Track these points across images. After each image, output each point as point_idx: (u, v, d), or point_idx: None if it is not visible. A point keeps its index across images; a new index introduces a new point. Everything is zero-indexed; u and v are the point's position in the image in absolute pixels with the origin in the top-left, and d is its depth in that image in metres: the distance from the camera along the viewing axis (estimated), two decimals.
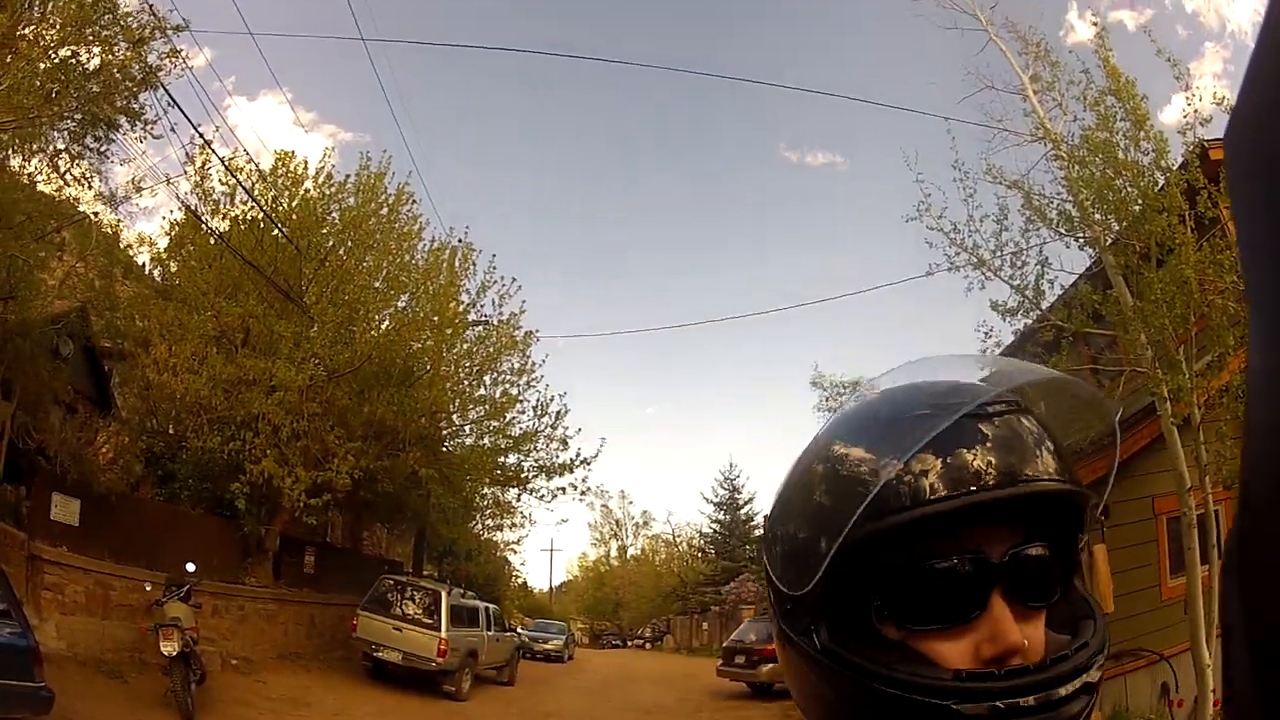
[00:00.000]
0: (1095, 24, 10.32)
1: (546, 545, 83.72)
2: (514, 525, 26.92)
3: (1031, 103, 10.65)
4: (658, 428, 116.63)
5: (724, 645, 24.56)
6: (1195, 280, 8.19)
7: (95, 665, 11.86)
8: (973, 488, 0.76)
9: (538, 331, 21.35)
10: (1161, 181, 9.10)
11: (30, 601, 10.93)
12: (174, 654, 11.30)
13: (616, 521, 74.26)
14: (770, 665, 20.31)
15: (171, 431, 17.74)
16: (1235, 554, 0.49)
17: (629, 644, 59.69)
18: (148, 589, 12.82)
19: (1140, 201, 9.09)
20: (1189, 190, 8.71)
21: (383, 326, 18.31)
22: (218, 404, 15.28)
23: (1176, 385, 8.47)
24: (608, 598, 71.27)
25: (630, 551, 73.23)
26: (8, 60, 9.73)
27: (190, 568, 13.08)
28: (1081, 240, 10.11)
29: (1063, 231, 10.11)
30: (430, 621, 17.39)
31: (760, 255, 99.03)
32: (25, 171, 11.78)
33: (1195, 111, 9.01)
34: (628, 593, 67.63)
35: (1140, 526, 10.59)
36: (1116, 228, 9.52)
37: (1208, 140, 9.10)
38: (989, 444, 0.78)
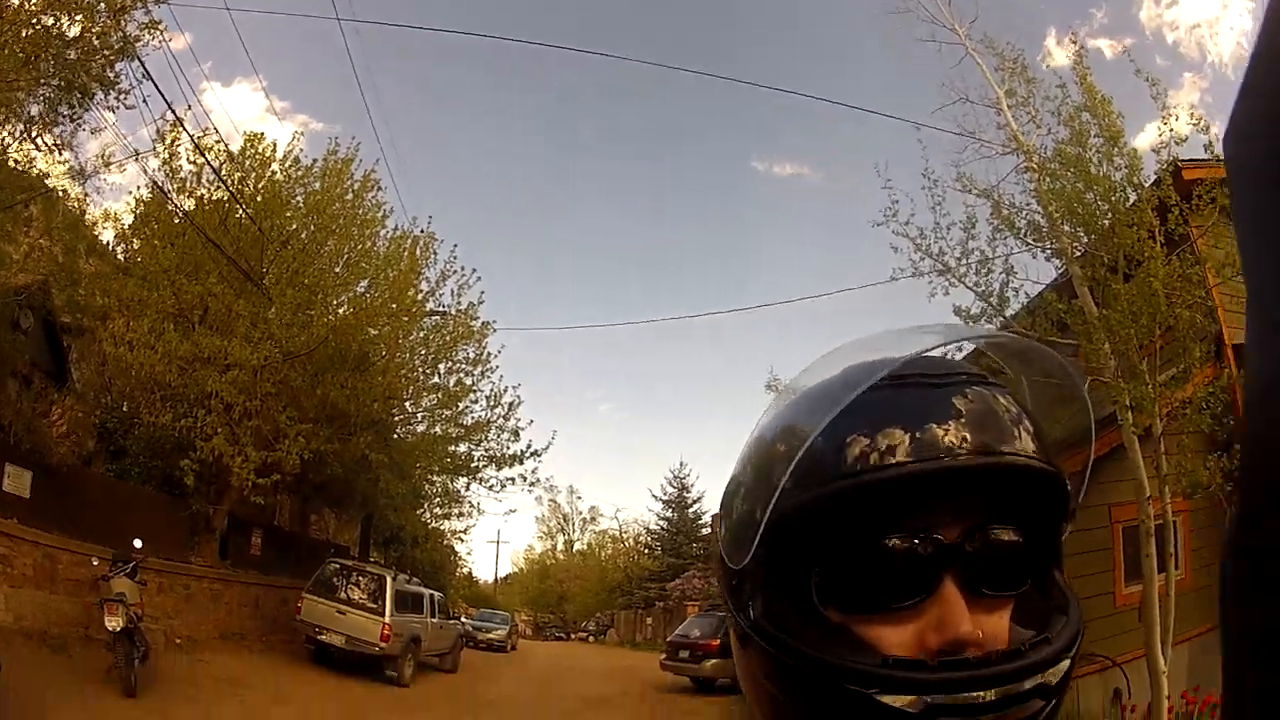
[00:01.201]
0: (1074, 41, 10.50)
1: (493, 537, 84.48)
2: (461, 514, 27.01)
3: (1005, 116, 10.75)
4: (609, 424, 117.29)
5: (669, 640, 24.87)
6: (1163, 293, 8.35)
7: (41, 639, 11.73)
8: (916, 459, 0.68)
9: (495, 322, 21.45)
10: (1133, 198, 9.22)
11: None
12: (118, 629, 11.20)
13: (564, 516, 75.00)
14: (714, 661, 20.66)
15: (125, 408, 17.57)
16: (1232, 544, 0.48)
17: (572, 636, 60.16)
18: (95, 563, 12.66)
19: (1110, 216, 9.22)
20: (1160, 207, 8.84)
21: (340, 311, 18.26)
22: (172, 380, 15.20)
23: (1139, 395, 8.60)
24: (552, 590, 71.72)
25: (576, 546, 73.86)
26: None
27: (138, 544, 12.92)
28: (1049, 251, 10.23)
29: (1030, 241, 10.19)
30: (374, 606, 17.41)
31: (723, 260, 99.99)
32: None
33: (1171, 130, 9.10)
34: (572, 586, 68.05)
35: (1096, 534, 10.71)
36: (1085, 240, 9.68)
37: (1182, 160, 9.27)
38: (943, 415, 0.70)
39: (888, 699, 0.66)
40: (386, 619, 17.20)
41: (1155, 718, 8.23)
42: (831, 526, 0.71)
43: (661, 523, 53.61)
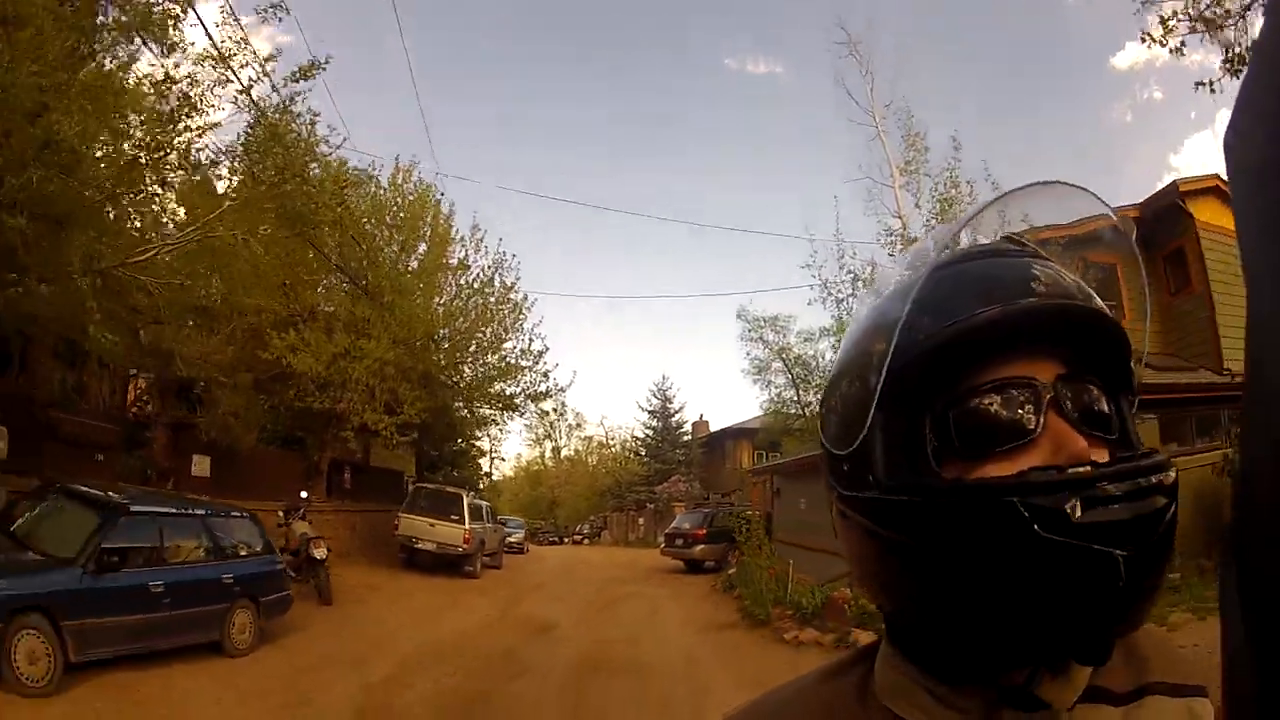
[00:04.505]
0: (954, 141, 14.15)
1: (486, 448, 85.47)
2: (493, 437, 33.08)
3: (895, 194, 14.43)
4: (592, 329, 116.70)
5: (666, 532, 30.41)
6: None
7: None
8: (1005, 304, 0.73)
9: (532, 300, 26.38)
10: None
11: None
12: (324, 557, 14.35)
13: (550, 423, 75.94)
14: (702, 546, 26.59)
15: (290, 395, 20.68)
16: (1233, 539, 0.49)
17: (565, 540, 59.79)
18: (280, 515, 15.75)
19: None
20: None
21: (434, 307, 23.04)
22: (323, 373, 18.85)
23: None
24: (543, 496, 72.62)
25: (564, 452, 73.83)
26: None
27: (304, 495, 16.37)
28: None
29: None
30: (456, 518, 21.73)
31: (704, 165, 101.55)
32: None
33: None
34: (563, 491, 69.22)
35: None
36: None
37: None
38: (1033, 276, 0.75)
39: (1033, 499, 0.66)
40: (467, 527, 21.69)
41: None
42: (941, 377, 0.74)
43: (647, 430, 56.23)
